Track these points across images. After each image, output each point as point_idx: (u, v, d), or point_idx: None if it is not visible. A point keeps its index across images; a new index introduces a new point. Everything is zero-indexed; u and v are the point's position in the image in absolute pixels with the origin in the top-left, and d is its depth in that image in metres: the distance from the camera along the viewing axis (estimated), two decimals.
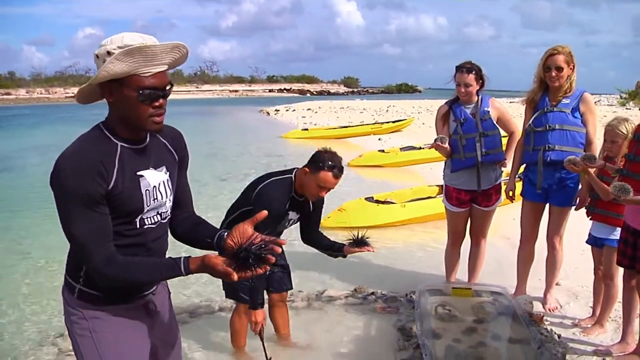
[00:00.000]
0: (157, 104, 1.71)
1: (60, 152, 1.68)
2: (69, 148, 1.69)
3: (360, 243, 3.29)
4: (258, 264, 1.60)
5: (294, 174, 3.29)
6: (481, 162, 4.21)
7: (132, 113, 1.70)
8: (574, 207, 4.08)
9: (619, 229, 3.61)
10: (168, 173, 1.90)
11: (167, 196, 1.89)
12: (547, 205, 4.22)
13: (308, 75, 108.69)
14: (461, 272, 4.75)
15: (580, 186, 4.00)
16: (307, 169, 3.17)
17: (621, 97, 24.49)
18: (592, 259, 3.98)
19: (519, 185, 4.39)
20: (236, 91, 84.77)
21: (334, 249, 3.43)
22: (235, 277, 1.58)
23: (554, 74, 3.95)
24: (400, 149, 13.00)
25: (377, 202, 7.43)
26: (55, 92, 61.12)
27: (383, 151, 12.98)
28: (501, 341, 3.66)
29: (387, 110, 29.74)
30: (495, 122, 4.30)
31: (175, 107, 40.54)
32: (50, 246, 6.28)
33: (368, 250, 3.31)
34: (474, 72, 4.18)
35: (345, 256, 3.41)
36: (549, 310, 4.24)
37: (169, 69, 1.74)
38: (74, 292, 1.87)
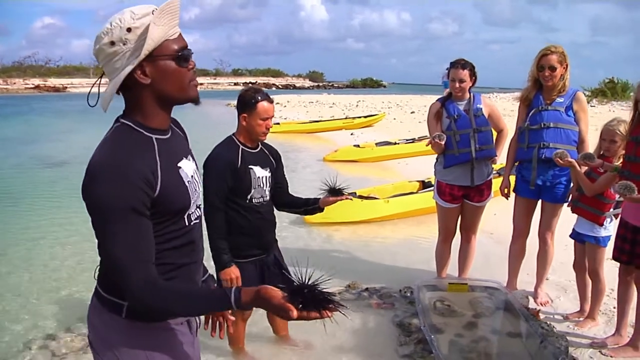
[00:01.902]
0: (191, 65, 1.61)
1: (91, 158, 1.53)
2: (102, 152, 1.53)
3: (336, 192, 3.15)
4: (319, 307, 1.43)
5: (233, 134, 3.24)
6: (475, 157, 4.27)
7: (174, 83, 1.58)
8: (566, 204, 4.18)
9: (599, 227, 3.73)
10: (195, 163, 1.80)
11: (200, 185, 1.79)
12: (540, 202, 4.31)
13: (274, 69, 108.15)
14: (450, 268, 4.82)
15: (572, 184, 4.10)
16: (244, 115, 3.13)
17: (584, 95, 25.11)
18: (574, 254, 4.10)
19: (512, 182, 4.47)
20: (201, 84, 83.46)
21: (309, 204, 3.27)
22: (295, 314, 1.41)
23: (547, 73, 4.04)
24: (376, 144, 13.07)
25: (361, 197, 7.46)
26: (14, 83, 59.21)
27: (358, 146, 13.02)
28: (502, 335, 3.73)
29: (357, 105, 29.82)
30: (487, 119, 4.37)
31: None
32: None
33: (345, 199, 3.17)
34: (468, 69, 4.25)
35: (322, 210, 3.23)
36: (540, 304, 4.34)
37: None
38: (120, 311, 1.65)
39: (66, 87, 57.65)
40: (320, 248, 6.16)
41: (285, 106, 30.01)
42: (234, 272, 3.12)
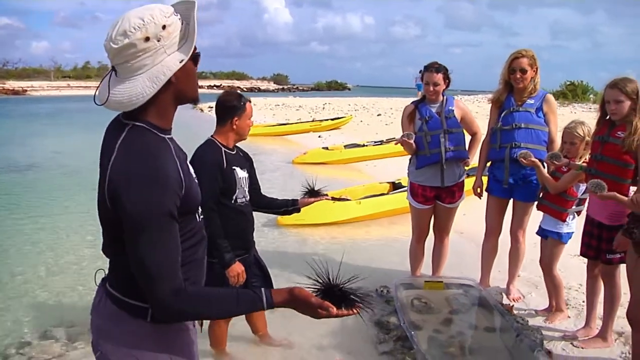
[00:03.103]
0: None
1: (117, 165, 1.50)
2: (131, 159, 1.49)
3: (314, 193, 3.28)
4: (350, 305, 1.54)
5: (211, 136, 3.28)
6: (445, 158, 4.36)
7: (192, 82, 1.64)
8: (536, 203, 4.31)
9: (562, 223, 3.88)
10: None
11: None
12: (512, 201, 4.44)
13: (238, 72, 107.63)
14: (424, 266, 4.91)
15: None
16: (235, 118, 3.20)
17: None
18: (540, 250, 4.24)
19: (484, 182, 4.58)
20: None
21: (288, 205, 3.39)
22: (335, 311, 1.49)
23: (518, 75, 4.17)
24: (345, 146, 13.17)
25: (333, 199, 7.50)
26: None
27: (327, 148, 13.10)
28: (479, 330, 3.83)
29: (323, 108, 29.92)
30: (459, 122, 4.47)
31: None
32: None
33: (323, 199, 3.30)
34: (442, 72, 4.35)
35: (299, 210, 3.36)
36: (513, 300, 4.47)
37: None
38: (145, 315, 1.61)
39: (26, 90, 56.21)
40: (295, 249, 6.18)
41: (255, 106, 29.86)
42: (239, 267, 3.17)
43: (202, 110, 31.27)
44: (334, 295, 1.53)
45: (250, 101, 3.29)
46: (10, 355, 3.82)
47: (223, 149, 3.21)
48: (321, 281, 1.56)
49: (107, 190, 1.51)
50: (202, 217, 1.78)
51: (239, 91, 3.56)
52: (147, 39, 1.49)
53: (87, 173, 10.99)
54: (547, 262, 4.04)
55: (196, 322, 1.97)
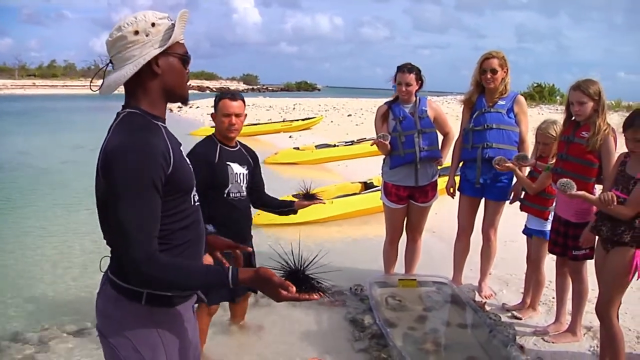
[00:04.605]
0: (187, 70, 1.82)
1: (108, 144, 1.65)
2: (120, 136, 1.66)
3: (310, 197, 3.45)
4: (311, 290, 1.62)
5: (212, 134, 3.48)
6: (420, 158, 4.41)
7: (178, 80, 1.79)
8: (508, 202, 4.40)
9: (545, 222, 3.98)
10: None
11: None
12: (483, 200, 4.52)
13: (207, 72, 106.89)
14: (397, 265, 4.95)
15: (515, 181, 4.33)
16: (213, 114, 3.41)
17: None
18: (527, 249, 4.33)
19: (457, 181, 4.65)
20: None
21: (285, 206, 3.54)
22: (294, 290, 1.58)
23: (489, 76, 4.25)
24: (316, 146, 13.20)
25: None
26: None
27: (298, 149, 13.11)
28: (453, 327, 3.89)
29: (293, 108, 29.93)
30: (432, 122, 4.53)
31: (71, 102, 38.35)
32: None
33: (318, 203, 3.47)
34: (414, 73, 4.40)
35: (296, 212, 3.50)
36: (485, 297, 4.55)
37: None
38: (140, 298, 1.74)
39: None
40: (270, 249, 6.05)
41: None
42: (207, 259, 3.18)
43: (171, 110, 30.98)
44: (297, 279, 1.60)
45: (233, 99, 3.36)
46: (4, 348, 3.81)
47: (219, 145, 3.38)
48: (289, 265, 1.65)
49: (101, 167, 1.65)
50: (197, 203, 1.88)
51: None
52: (136, 32, 1.68)
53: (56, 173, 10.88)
54: (535, 259, 4.13)
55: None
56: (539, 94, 24.50)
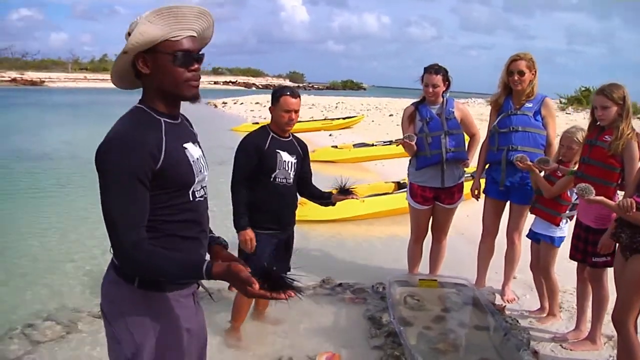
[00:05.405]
0: (192, 67, 1.79)
1: (108, 133, 1.73)
2: (116, 127, 1.74)
3: (345, 192, 3.63)
4: (279, 290, 1.60)
5: (267, 124, 3.71)
6: (446, 159, 4.41)
7: (169, 80, 1.77)
8: (530, 206, 4.35)
9: (555, 227, 3.92)
10: (201, 149, 1.98)
11: (207, 170, 1.97)
12: (508, 203, 4.49)
13: (254, 69, 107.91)
14: (422, 266, 4.97)
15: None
16: (271, 107, 3.59)
17: (561, 102, 25.49)
18: (530, 253, 4.29)
19: (482, 184, 4.63)
20: None
21: (324, 198, 3.79)
22: (257, 287, 1.57)
23: (516, 78, 4.22)
24: (354, 145, 13.22)
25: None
26: None
27: (336, 147, 13.16)
28: (469, 329, 3.89)
29: (336, 107, 29.99)
30: (459, 123, 4.52)
31: (120, 96, 39.16)
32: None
33: (353, 198, 3.65)
34: (441, 74, 4.40)
35: (334, 204, 3.74)
36: (507, 301, 4.51)
37: (204, 42, 1.88)
38: (134, 281, 1.83)
39: (44, 81, 56.99)
40: (298, 244, 6.18)
41: (264, 106, 30.03)
42: (249, 234, 3.54)
43: (215, 106, 31.44)
44: (269, 277, 1.61)
45: (294, 96, 3.53)
46: (15, 336, 3.92)
47: (272, 134, 3.62)
48: (263, 264, 1.66)
49: (94, 159, 1.73)
50: (199, 199, 1.91)
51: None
52: (128, 34, 1.73)
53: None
54: (544, 266, 4.08)
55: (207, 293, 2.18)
56: (587, 99, 23.78)
